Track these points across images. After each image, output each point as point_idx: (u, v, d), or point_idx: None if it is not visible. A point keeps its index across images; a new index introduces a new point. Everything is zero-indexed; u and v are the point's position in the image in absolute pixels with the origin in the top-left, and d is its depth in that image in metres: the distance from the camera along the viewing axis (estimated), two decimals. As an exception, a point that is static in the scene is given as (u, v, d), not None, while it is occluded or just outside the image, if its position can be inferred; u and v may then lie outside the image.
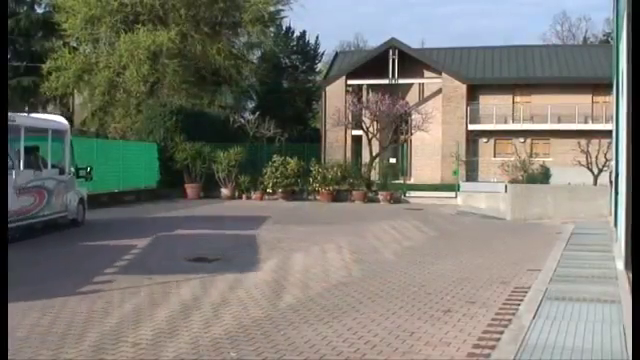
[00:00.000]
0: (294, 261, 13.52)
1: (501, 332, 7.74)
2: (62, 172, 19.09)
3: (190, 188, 32.56)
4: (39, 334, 7.69)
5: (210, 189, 32.78)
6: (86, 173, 20.41)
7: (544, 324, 7.92)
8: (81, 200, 20.13)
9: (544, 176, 30.21)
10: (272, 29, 49.12)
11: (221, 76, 43.07)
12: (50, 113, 45.01)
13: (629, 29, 10.02)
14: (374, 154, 35.03)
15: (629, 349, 6.78)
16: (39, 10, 48.67)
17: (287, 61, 62.13)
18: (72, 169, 19.83)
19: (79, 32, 40.10)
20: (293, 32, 62.28)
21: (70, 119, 41.67)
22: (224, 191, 32.73)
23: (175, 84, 39.98)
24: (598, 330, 7.66)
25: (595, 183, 27.09)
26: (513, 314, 8.67)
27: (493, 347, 7.12)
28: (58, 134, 19.31)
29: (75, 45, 42.86)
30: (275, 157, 32.80)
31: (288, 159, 32.64)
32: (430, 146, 43.49)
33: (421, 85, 46.80)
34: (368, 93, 44.08)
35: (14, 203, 15.93)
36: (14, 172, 16.33)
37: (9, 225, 13.89)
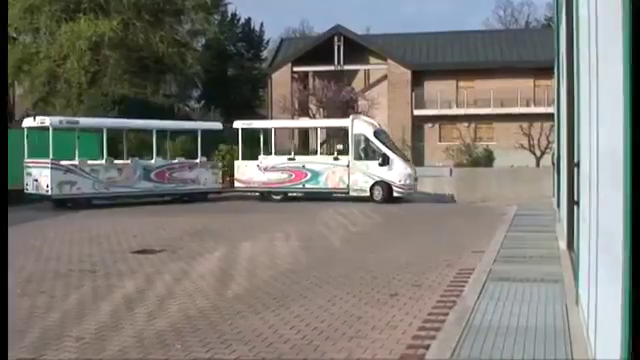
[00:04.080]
0: (242, 250, 13.43)
1: (446, 314, 7.80)
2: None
3: (135, 178, 32.15)
4: None
5: (156, 179, 32.31)
6: (382, 161, 25.02)
7: (488, 305, 8.01)
8: (378, 182, 24.87)
9: (488, 159, 30.67)
10: (216, 16, 48.68)
11: (165, 64, 42.56)
12: None
13: (568, 13, 10.15)
14: (321, 141, 35.03)
15: (572, 327, 6.90)
16: (-27, -2, 47.31)
17: (232, 48, 61.57)
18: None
19: (18, 22, 39.16)
20: (238, 19, 61.76)
21: (11, 111, 40.78)
22: (170, 181, 32.42)
23: (117, 74, 39.38)
24: (541, 310, 7.77)
25: (538, 165, 27.58)
26: (458, 296, 8.76)
27: (438, 329, 7.17)
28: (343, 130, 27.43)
29: (14, 35, 41.84)
30: (221, 146, 32.50)
31: (235, 147, 32.37)
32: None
33: (367, 71, 46.96)
34: (314, 80, 44.06)
35: (260, 177, 25.99)
36: (260, 157, 26.73)
37: (267, 189, 26.05)
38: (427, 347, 6.57)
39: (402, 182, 24.86)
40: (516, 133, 33.95)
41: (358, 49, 45.42)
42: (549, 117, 29.03)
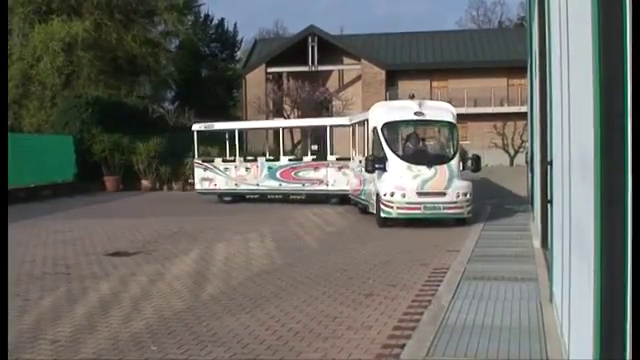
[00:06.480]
0: (216, 251, 13.38)
1: (421, 313, 7.82)
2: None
3: (109, 181, 31.86)
4: None
5: (130, 181, 32.11)
6: (367, 165, 18.07)
7: (463, 304, 8.04)
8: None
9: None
10: (190, 17, 48.52)
11: (138, 65, 42.32)
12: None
13: (540, 12, 10.23)
14: (296, 141, 35.01)
15: (546, 325, 6.95)
16: (-56, 1, 46.74)
17: (206, 49, 61.44)
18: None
19: (-10, 24, 38.79)
20: (212, 20, 61.68)
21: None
22: (145, 182, 32.17)
23: (92, 75, 39.14)
24: (516, 308, 7.82)
25: (512, 164, 27.74)
26: (433, 295, 8.78)
27: (413, 328, 7.19)
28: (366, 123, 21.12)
29: (-14, 37, 41.42)
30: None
31: (209, 149, 32.24)
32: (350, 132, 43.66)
33: (341, 72, 47.04)
34: (288, 80, 44.02)
35: (352, 179, 22.06)
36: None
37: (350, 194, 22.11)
38: (402, 346, 6.58)
39: (388, 197, 16.74)
40: (490, 132, 34.19)
41: (332, 50, 45.50)
42: (523, 116, 29.29)
